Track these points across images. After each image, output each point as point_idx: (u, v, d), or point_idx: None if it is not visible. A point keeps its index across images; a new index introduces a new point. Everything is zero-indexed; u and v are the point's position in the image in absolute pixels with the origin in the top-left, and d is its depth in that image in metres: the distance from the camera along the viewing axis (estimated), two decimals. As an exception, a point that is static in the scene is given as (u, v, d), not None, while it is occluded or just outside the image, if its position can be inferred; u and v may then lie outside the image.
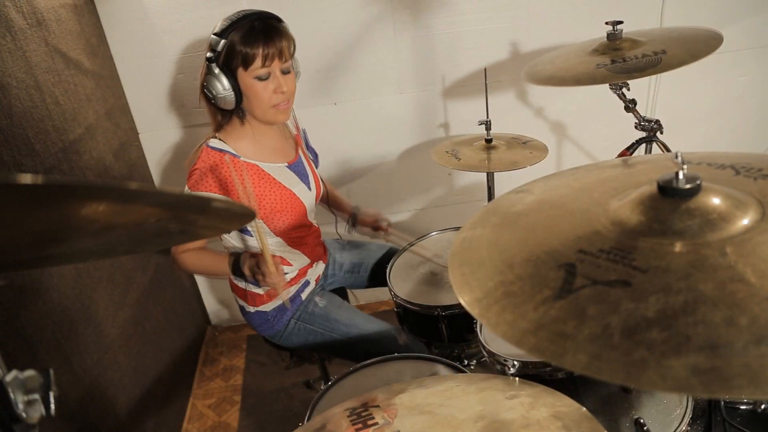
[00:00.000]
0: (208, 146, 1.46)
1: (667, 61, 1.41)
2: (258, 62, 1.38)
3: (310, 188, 1.62)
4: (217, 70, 1.39)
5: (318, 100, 2.20)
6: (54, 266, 1.36)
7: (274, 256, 1.40)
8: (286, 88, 1.44)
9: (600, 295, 0.60)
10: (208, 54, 1.39)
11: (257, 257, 1.43)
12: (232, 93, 1.41)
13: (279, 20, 1.44)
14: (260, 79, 1.40)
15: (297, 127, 1.71)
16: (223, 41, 1.37)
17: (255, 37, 1.37)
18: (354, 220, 1.84)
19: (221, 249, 1.64)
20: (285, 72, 1.44)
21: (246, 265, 1.45)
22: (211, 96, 1.42)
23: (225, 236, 1.57)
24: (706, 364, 0.50)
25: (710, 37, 1.47)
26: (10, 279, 1.21)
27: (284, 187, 1.54)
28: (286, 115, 1.51)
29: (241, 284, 1.62)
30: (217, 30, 1.39)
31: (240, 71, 1.40)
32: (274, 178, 1.53)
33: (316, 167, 1.73)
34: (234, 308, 2.62)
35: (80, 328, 1.48)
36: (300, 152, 1.65)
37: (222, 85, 1.40)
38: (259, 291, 1.61)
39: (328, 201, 1.82)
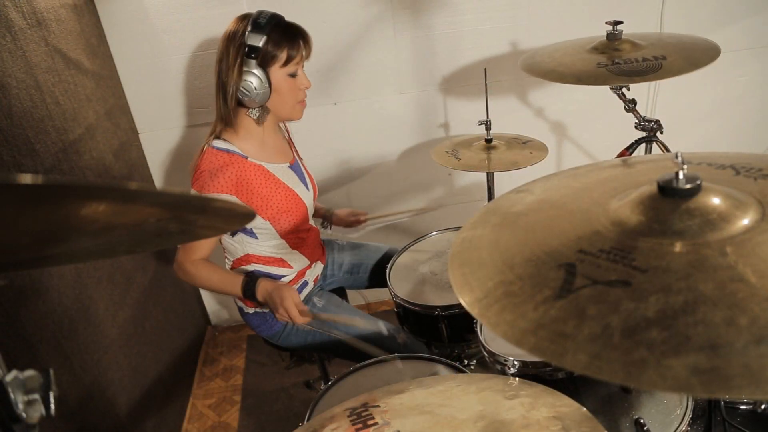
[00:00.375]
0: (212, 147, 1.46)
1: (667, 67, 1.43)
2: (297, 59, 1.45)
3: (308, 188, 1.63)
4: (255, 67, 1.41)
5: (318, 100, 2.20)
6: (54, 266, 1.36)
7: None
8: (309, 84, 1.51)
9: (600, 295, 0.60)
10: (245, 50, 1.40)
11: (281, 291, 1.43)
12: (269, 89, 1.44)
13: None
14: (292, 75, 1.46)
15: (287, 130, 1.72)
16: (264, 37, 1.39)
17: (296, 35, 1.44)
18: (328, 220, 1.88)
19: (220, 250, 1.64)
20: (303, 69, 1.51)
21: (262, 294, 1.47)
22: (247, 93, 1.42)
23: (225, 238, 1.57)
24: (706, 364, 0.50)
25: (709, 47, 1.50)
26: (10, 279, 1.20)
27: (288, 187, 1.54)
28: (302, 112, 1.55)
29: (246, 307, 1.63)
30: (250, 28, 1.39)
31: (275, 68, 1.43)
32: (279, 179, 1.53)
33: None
34: (234, 308, 2.61)
35: (80, 328, 1.48)
36: (295, 153, 1.66)
37: (260, 81, 1.42)
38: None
39: None
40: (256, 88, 1.42)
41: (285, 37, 1.42)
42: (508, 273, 0.70)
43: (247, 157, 1.47)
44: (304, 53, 1.47)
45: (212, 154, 1.45)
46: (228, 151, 1.45)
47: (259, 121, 1.50)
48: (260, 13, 1.42)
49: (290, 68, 1.45)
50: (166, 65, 2.08)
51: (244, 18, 1.42)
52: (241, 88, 1.42)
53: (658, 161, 0.92)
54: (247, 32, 1.39)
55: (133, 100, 2.13)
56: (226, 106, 1.46)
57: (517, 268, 0.70)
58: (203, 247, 1.48)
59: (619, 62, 1.49)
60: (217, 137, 1.48)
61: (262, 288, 1.47)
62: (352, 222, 1.87)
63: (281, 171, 1.55)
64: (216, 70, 1.46)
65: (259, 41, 1.39)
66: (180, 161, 2.24)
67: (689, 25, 2.21)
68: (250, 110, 1.48)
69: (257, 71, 1.41)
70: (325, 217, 1.88)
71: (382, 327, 1.60)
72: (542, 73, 1.57)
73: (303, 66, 1.50)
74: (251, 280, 1.48)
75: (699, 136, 2.52)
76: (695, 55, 1.47)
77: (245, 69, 1.41)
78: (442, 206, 1.81)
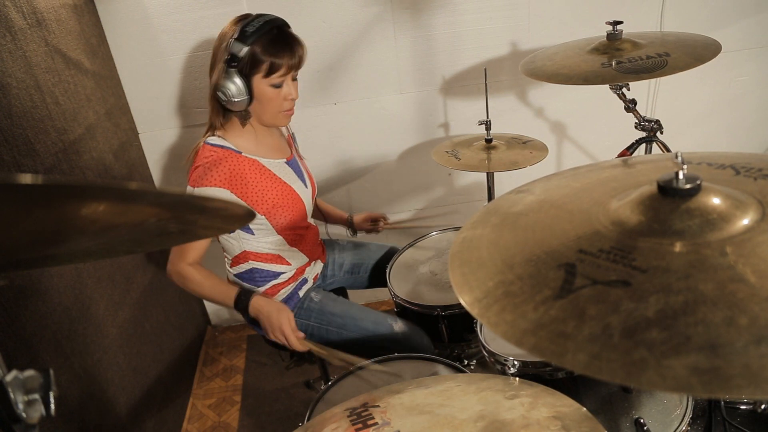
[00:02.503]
0: (206, 143, 1.47)
1: (673, 63, 1.42)
2: (281, 71, 1.42)
3: (306, 186, 1.63)
4: (235, 75, 1.40)
5: (318, 100, 2.20)
6: (54, 266, 1.36)
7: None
8: (296, 95, 1.49)
9: (600, 295, 0.60)
10: (227, 57, 1.39)
11: (280, 315, 1.42)
12: (247, 97, 1.43)
13: (289, 26, 1.47)
14: (275, 86, 1.44)
15: (288, 128, 1.73)
16: (246, 48, 1.38)
17: (281, 47, 1.41)
18: (351, 225, 1.89)
19: (218, 248, 1.64)
20: (294, 79, 1.49)
21: (256, 311, 1.45)
22: (224, 98, 1.43)
23: (223, 236, 1.57)
24: (706, 364, 0.50)
25: (709, 42, 1.50)
26: (10, 279, 1.20)
27: (284, 182, 1.55)
28: (289, 120, 1.55)
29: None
30: (236, 35, 1.38)
31: (257, 77, 1.42)
32: (274, 174, 1.53)
33: None
34: (234, 308, 2.62)
35: (80, 328, 1.48)
36: (294, 151, 1.67)
37: (238, 89, 1.41)
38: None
39: (321, 213, 1.86)
40: (233, 96, 1.42)
41: (269, 48, 1.39)
42: (508, 273, 0.70)
43: (240, 152, 1.48)
44: (289, 65, 1.43)
45: (207, 150, 1.46)
46: (222, 147, 1.47)
47: (243, 123, 1.51)
48: (253, 19, 1.40)
49: (273, 79, 1.42)
50: (166, 65, 2.08)
51: (238, 21, 1.41)
52: (218, 93, 1.43)
53: (658, 161, 0.92)
54: (232, 39, 1.39)
55: (133, 100, 2.13)
56: (211, 105, 1.48)
57: (517, 268, 0.70)
58: (196, 248, 1.48)
59: (623, 62, 1.48)
60: (212, 134, 1.50)
61: (255, 305, 1.45)
62: (370, 229, 1.88)
63: (277, 166, 1.55)
64: (209, 69, 1.47)
65: (240, 51, 1.38)
66: (180, 161, 2.24)
67: (689, 25, 2.21)
68: (236, 112, 1.49)
69: (237, 79, 1.40)
70: (347, 224, 1.90)
71: (378, 316, 1.61)
72: (546, 76, 1.56)
73: (293, 76, 1.47)
74: (244, 294, 1.46)
75: (699, 136, 2.52)
76: (697, 50, 1.46)
77: (225, 75, 1.41)
78: (455, 211, 1.79)
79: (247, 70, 1.40)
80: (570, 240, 0.71)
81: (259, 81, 1.42)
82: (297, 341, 1.43)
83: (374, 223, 1.87)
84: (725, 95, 2.43)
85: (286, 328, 1.42)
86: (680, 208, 0.67)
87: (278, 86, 1.44)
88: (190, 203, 0.58)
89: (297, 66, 1.45)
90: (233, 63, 1.39)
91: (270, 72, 1.41)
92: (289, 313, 1.45)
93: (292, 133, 1.75)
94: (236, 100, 1.42)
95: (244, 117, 1.50)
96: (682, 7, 2.20)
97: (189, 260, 1.47)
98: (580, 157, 2.47)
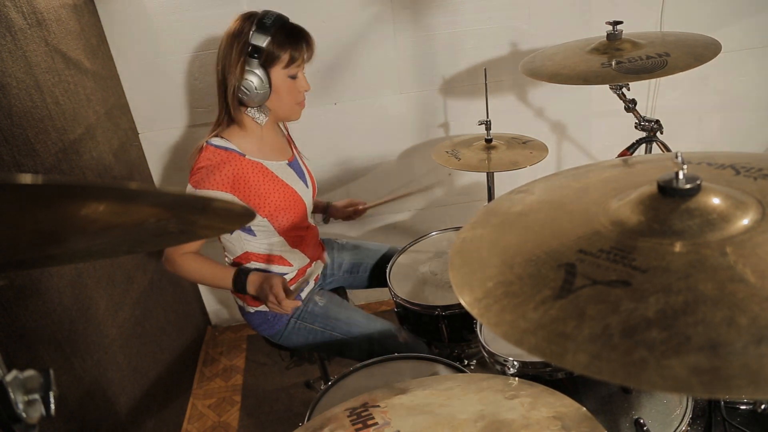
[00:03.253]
0: (210, 144, 1.47)
1: (673, 63, 1.42)
2: (299, 62, 1.46)
3: (307, 186, 1.63)
4: (257, 67, 1.42)
5: (318, 100, 2.20)
6: (54, 266, 1.36)
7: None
8: (308, 87, 1.53)
9: (600, 295, 0.60)
10: (249, 49, 1.41)
11: (270, 279, 1.43)
12: (269, 89, 1.45)
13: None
14: (292, 77, 1.47)
15: (286, 128, 1.73)
16: (268, 38, 1.40)
17: (299, 38, 1.45)
18: (327, 213, 1.87)
19: (219, 248, 1.64)
20: (303, 72, 1.52)
21: (253, 286, 1.46)
22: (247, 92, 1.43)
23: (224, 236, 1.57)
24: (706, 364, 0.50)
25: (709, 42, 1.50)
26: (10, 279, 1.20)
27: (287, 185, 1.55)
28: (300, 113, 1.57)
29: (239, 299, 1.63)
30: (255, 28, 1.40)
31: (276, 69, 1.44)
32: (277, 176, 1.53)
33: None
34: (234, 308, 2.62)
35: (80, 328, 1.48)
36: (294, 151, 1.67)
37: (261, 81, 1.43)
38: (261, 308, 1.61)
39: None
40: (256, 88, 1.43)
41: (289, 39, 1.43)
42: (508, 273, 0.70)
43: (244, 155, 1.48)
44: (305, 56, 1.48)
45: (210, 151, 1.46)
46: (226, 149, 1.46)
47: (258, 119, 1.51)
48: (266, 13, 1.43)
49: (291, 70, 1.46)
50: (166, 65, 2.08)
51: (249, 17, 1.43)
52: (242, 87, 1.43)
53: (658, 161, 0.92)
54: (252, 32, 1.40)
55: (133, 100, 2.13)
56: (227, 104, 1.47)
57: (517, 268, 0.70)
58: (193, 242, 1.48)
59: (623, 62, 1.48)
60: (216, 135, 1.49)
61: (252, 281, 1.47)
62: (351, 213, 1.86)
63: (279, 168, 1.55)
64: (218, 67, 1.46)
65: (263, 41, 1.40)
66: (180, 161, 2.24)
67: (689, 25, 2.20)
68: (249, 109, 1.49)
69: (259, 71, 1.42)
70: (324, 210, 1.88)
71: (383, 326, 1.60)
72: (547, 76, 1.56)
73: (303, 68, 1.51)
74: (241, 273, 1.48)
75: (699, 136, 2.52)
76: (697, 50, 1.46)
77: (247, 68, 1.42)
78: (436, 185, 1.76)
79: (268, 61, 1.42)
80: (570, 240, 0.71)
81: (277, 72, 1.44)
82: (288, 303, 1.41)
83: (354, 211, 1.84)
84: (726, 95, 2.43)
85: (277, 291, 1.40)
86: (680, 208, 0.67)
87: (294, 77, 1.48)
88: (190, 203, 0.58)
89: (310, 57, 1.50)
90: (255, 54, 1.41)
91: (290, 62, 1.44)
92: (278, 278, 1.44)
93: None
94: (260, 92, 1.44)
95: (262, 112, 1.50)
96: (682, 7, 2.20)
97: (184, 251, 1.48)
98: (580, 157, 2.47)
